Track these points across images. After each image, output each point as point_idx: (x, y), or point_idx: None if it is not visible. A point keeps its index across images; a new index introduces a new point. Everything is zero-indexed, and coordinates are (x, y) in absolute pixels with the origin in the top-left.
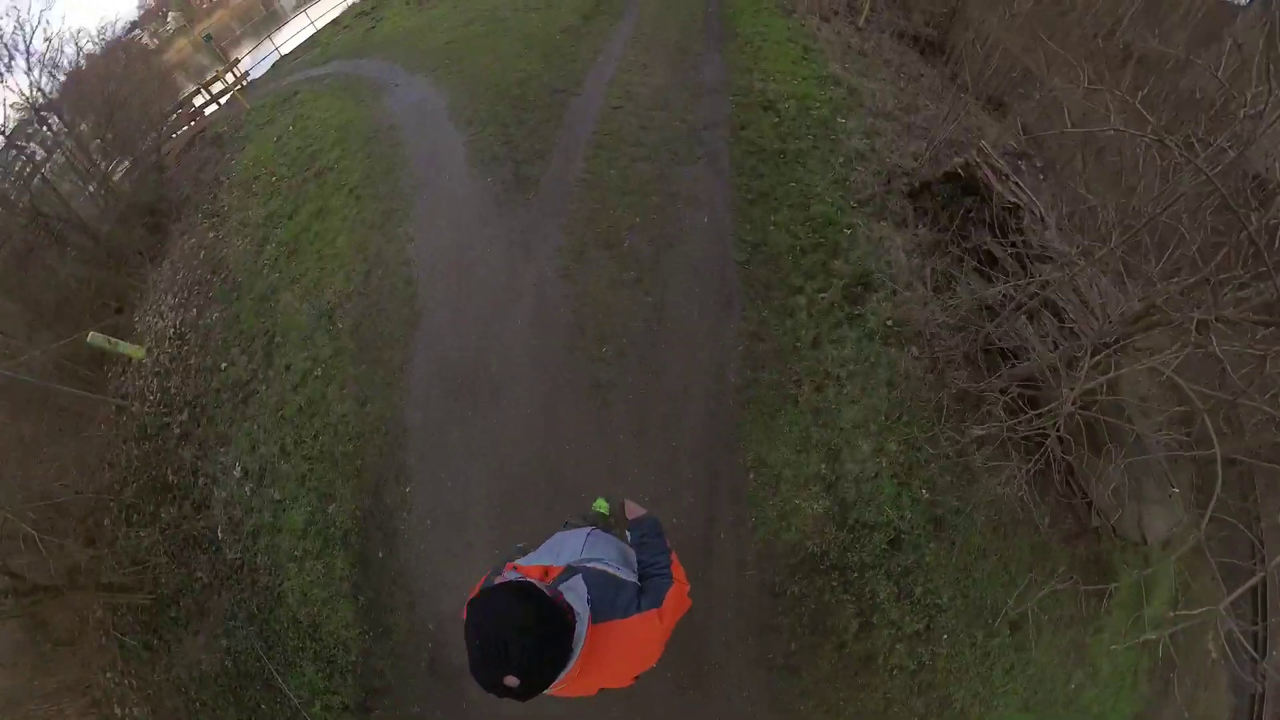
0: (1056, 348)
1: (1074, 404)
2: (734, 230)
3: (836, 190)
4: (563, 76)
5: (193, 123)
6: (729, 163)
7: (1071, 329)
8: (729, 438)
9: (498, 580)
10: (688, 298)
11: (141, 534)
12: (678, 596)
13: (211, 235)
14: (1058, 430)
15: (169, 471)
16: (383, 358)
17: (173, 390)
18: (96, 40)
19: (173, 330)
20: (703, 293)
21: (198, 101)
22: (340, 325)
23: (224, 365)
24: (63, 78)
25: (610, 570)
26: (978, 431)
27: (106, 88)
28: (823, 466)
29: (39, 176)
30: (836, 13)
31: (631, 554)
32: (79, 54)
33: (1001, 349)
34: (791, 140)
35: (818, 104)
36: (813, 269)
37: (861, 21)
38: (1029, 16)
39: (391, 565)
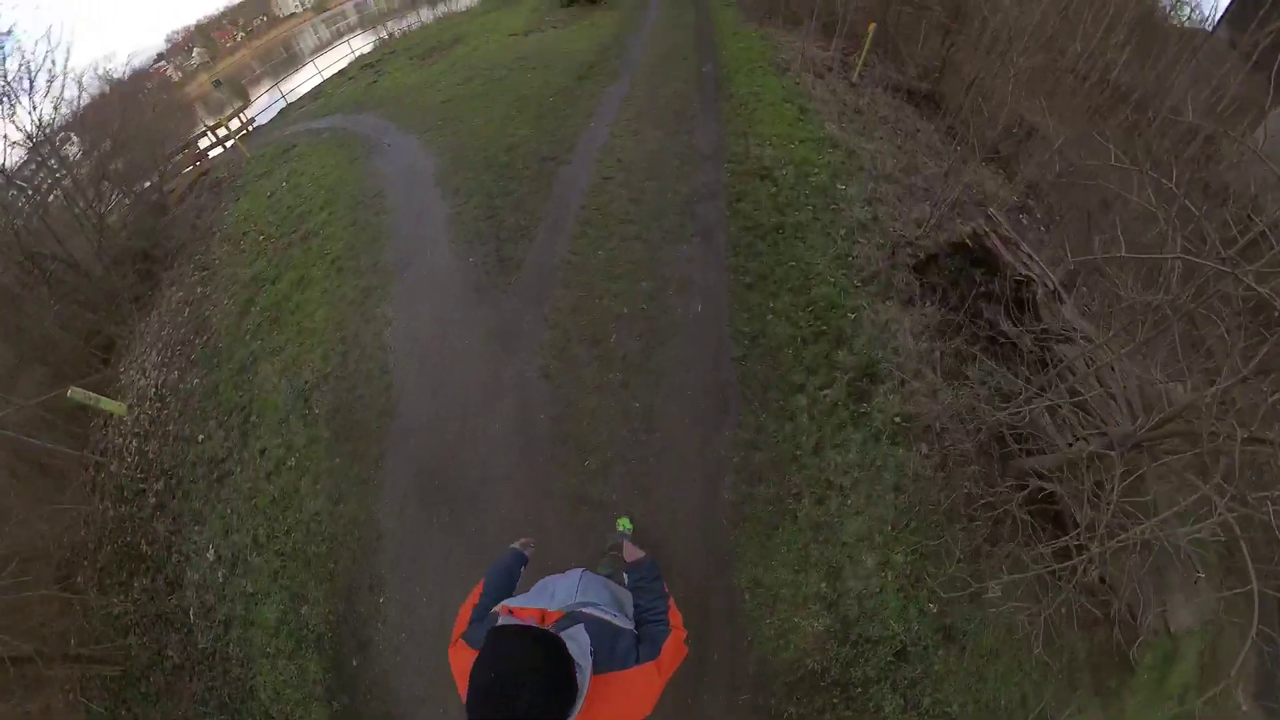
0: (1076, 442)
1: (1106, 537)
2: (730, 320)
3: (839, 268)
4: (553, 143)
5: (198, 163)
6: (725, 240)
7: (1094, 422)
8: (722, 558)
9: (497, 623)
10: (679, 403)
11: (114, 600)
12: (675, 646)
13: (199, 290)
14: (1084, 574)
15: (143, 542)
16: (358, 451)
17: (150, 455)
18: (103, 78)
19: (154, 391)
20: (695, 396)
21: (204, 144)
22: (316, 410)
23: (201, 438)
24: (67, 111)
25: (607, 618)
26: (995, 591)
27: (116, 122)
28: (823, 585)
29: (37, 215)
30: (830, 69)
31: (625, 596)
32: (81, 92)
33: (1018, 438)
34: (790, 212)
35: (816, 169)
36: (815, 362)
37: (855, 77)
38: (1022, 65)
39: (366, 674)
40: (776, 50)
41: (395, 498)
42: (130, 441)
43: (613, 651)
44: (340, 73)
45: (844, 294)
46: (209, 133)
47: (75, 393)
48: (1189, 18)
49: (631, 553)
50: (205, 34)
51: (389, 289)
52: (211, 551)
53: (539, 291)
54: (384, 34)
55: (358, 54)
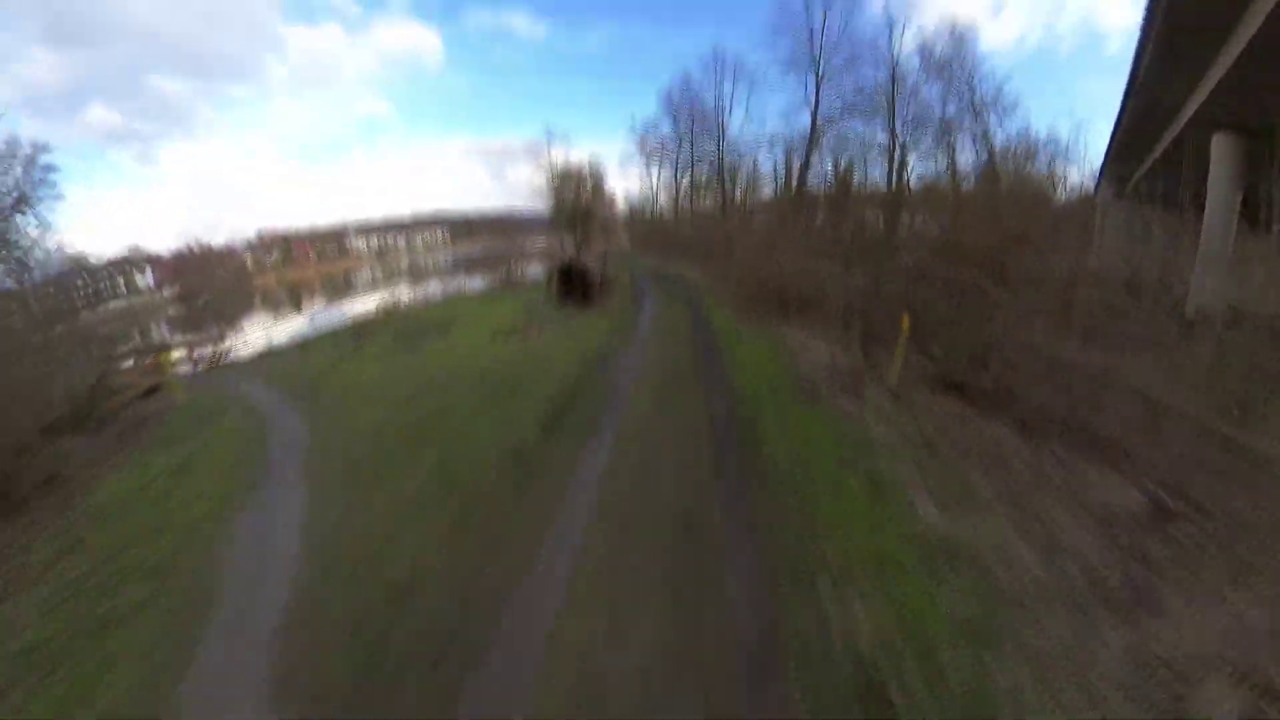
0: None
1: None
2: None
3: None
4: (466, 601)
5: (152, 377)
6: None
7: None
8: None
9: None
10: None
11: None
12: None
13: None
14: None
15: None
16: None
17: None
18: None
19: None
20: None
21: (177, 355)
22: None
23: None
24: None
25: None
26: None
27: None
28: None
29: None
30: (859, 376)
31: None
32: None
33: None
34: None
35: (943, 638)
36: None
37: (894, 381)
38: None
39: None
40: (793, 360)
41: None
42: None
43: None
44: (332, 334)
45: None
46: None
47: None
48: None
49: None
50: (288, 243)
51: None
52: None
53: None
54: (401, 297)
55: (373, 308)
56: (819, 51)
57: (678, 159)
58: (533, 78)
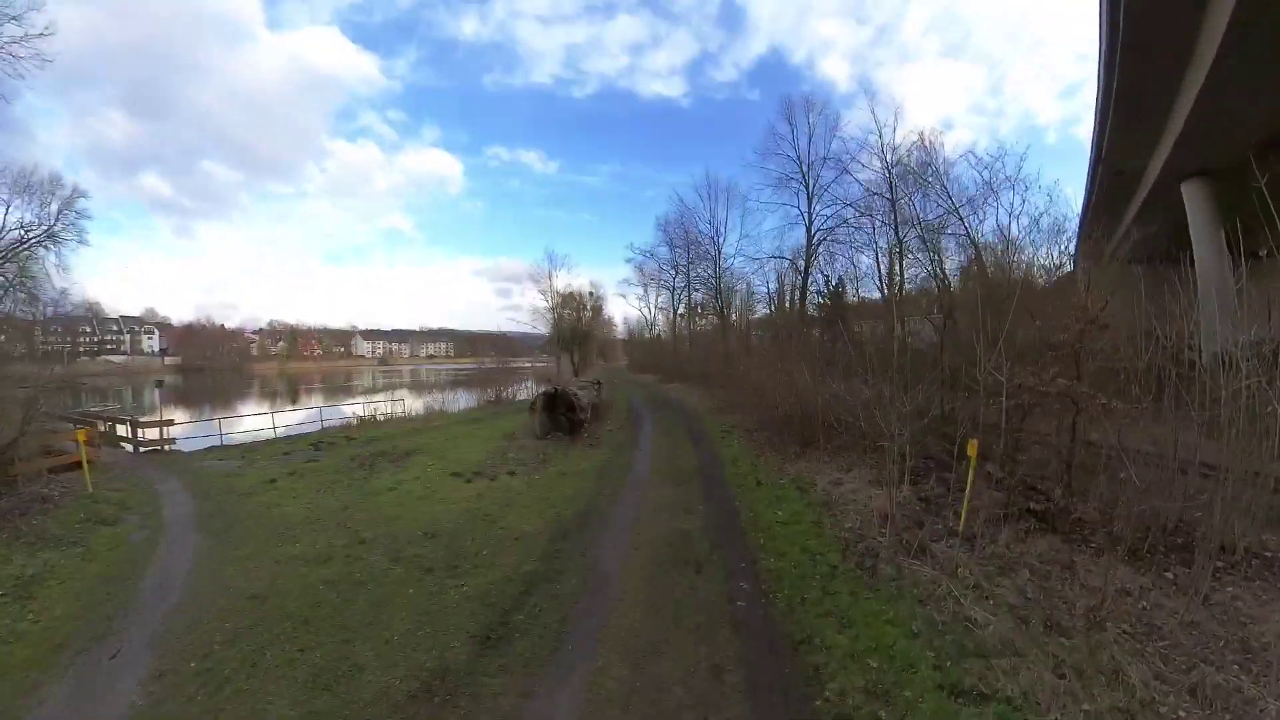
0: None
1: None
2: None
3: None
4: None
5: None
6: None
7: None
8: None
9: None
10: None
11: None
12: None
13: None
14: None
15: None
16: None
17: None
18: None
19: None
20: None
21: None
22: None
23: None
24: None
25: None
26: None
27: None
28: None
29: None
30: (919, 522)
31: None
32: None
33: None
34: None
35: None
36: None
37: (961, 526)
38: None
39: None
40: (829, 508)
41: None
42: None
43: None
44: (296, 439)
45: None
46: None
47: None
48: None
49: None
50: (294, 336)
51: None
52: None
53: None
54: (384, 407)
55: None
56: (808, 168)
57: (674, 282)
58: (542, 208)
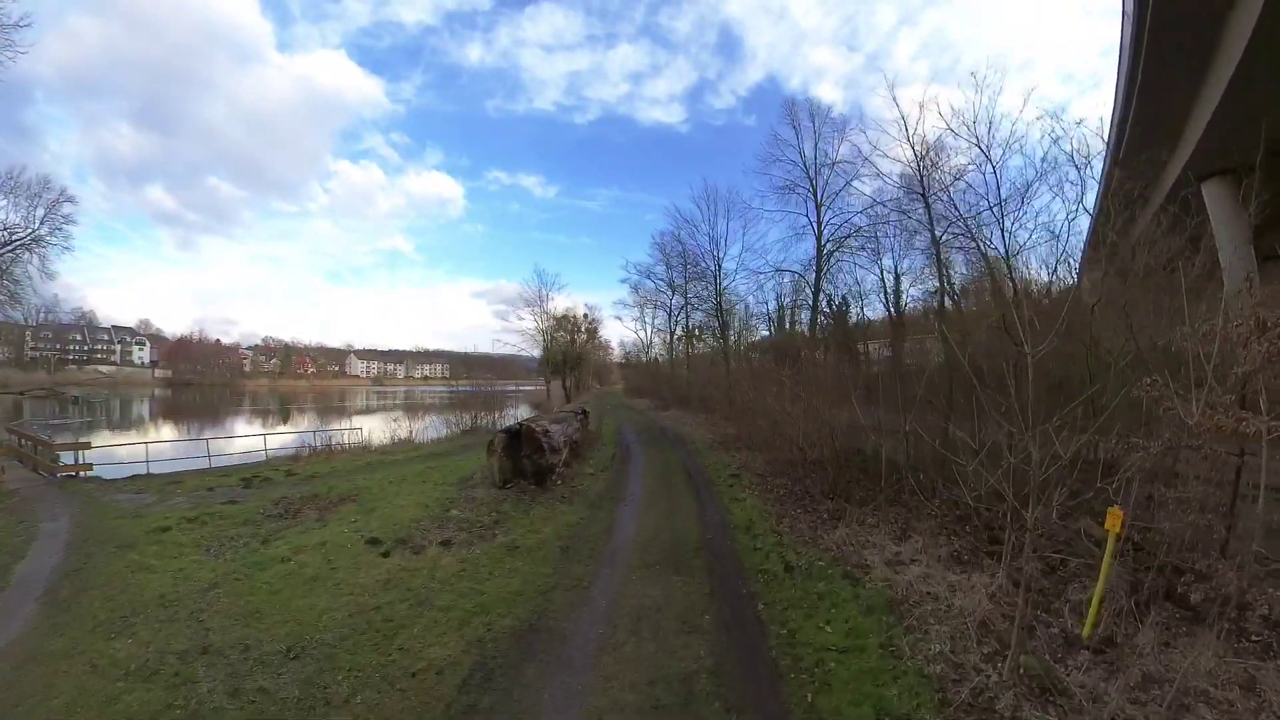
0: None
1: None
2: None
3: None
4: None
5: None
6: None
7: None
8: None
9: None
10: None
11: None
12: None
13: None
14: None
15: None
16: None
17: None
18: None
19: None
20: None
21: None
22: None
23: None
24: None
25: None
26: None
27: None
28: None
29: None
30: (1030, 625)
31: None
32: None
33: None
34: None
35: None
36: None
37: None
38: None
39: None
40: (901, 619)
41: None
42: None
43: None
44: (231, 469)
45: None
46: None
47: None
48: None
49: None
50: (289, 353)
51: None
52: None
53: None
54: (333, 438)
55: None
56: (814, 172)
57: (671, 302)
58: (541, 231)
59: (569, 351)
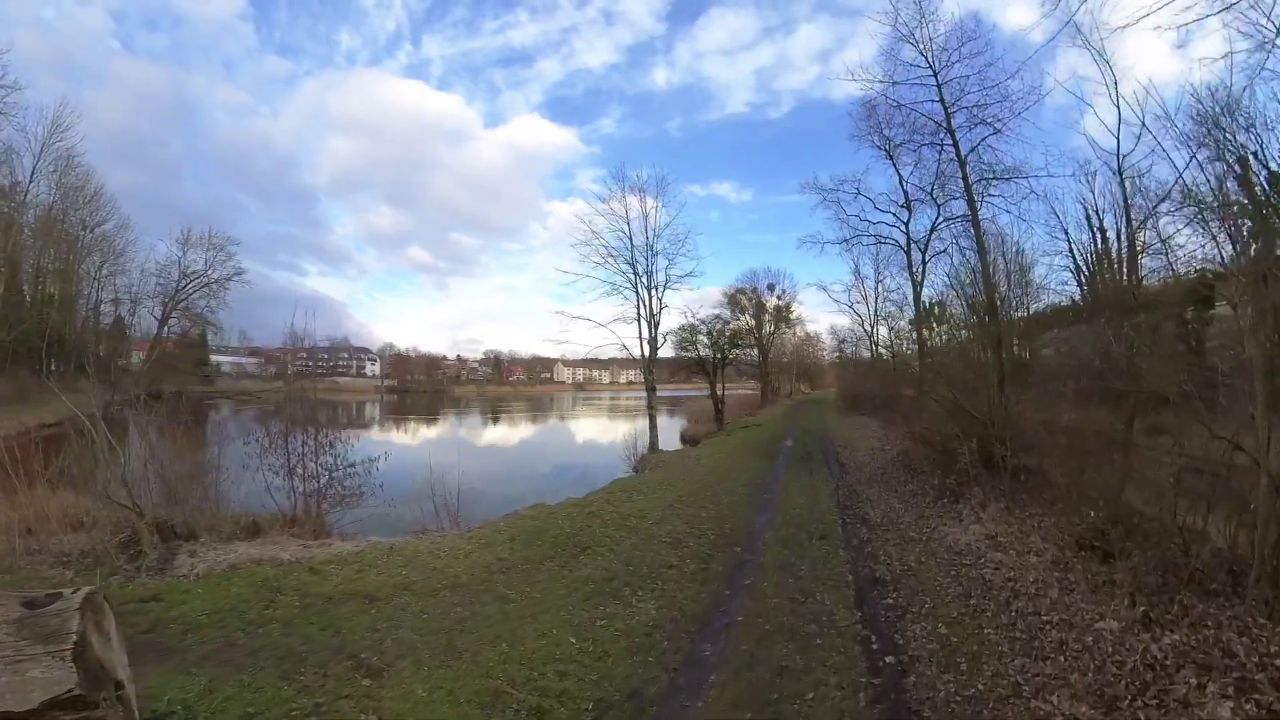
0: None
1: None
2: None
3: None
4: None
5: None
6: None
7: None
8: None
9: None
10: None
11: None
12: None
13: None
14: None
15: None
16: None
17: None
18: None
19: None
20: None
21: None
22: None
23: None
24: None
25: None
26: None
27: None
28: None
29: None
30: None
31: None
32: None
33: None
34: None
35: None
36: None
37: None
38: None
39: None
40: None
41: None
42: None
43: None
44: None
45: None
46: None
47: None
48: None
49: None
50: (498, 362)
51: None
52: None
53: None
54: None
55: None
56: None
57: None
58: (743, 235)
59: (762, 347)
